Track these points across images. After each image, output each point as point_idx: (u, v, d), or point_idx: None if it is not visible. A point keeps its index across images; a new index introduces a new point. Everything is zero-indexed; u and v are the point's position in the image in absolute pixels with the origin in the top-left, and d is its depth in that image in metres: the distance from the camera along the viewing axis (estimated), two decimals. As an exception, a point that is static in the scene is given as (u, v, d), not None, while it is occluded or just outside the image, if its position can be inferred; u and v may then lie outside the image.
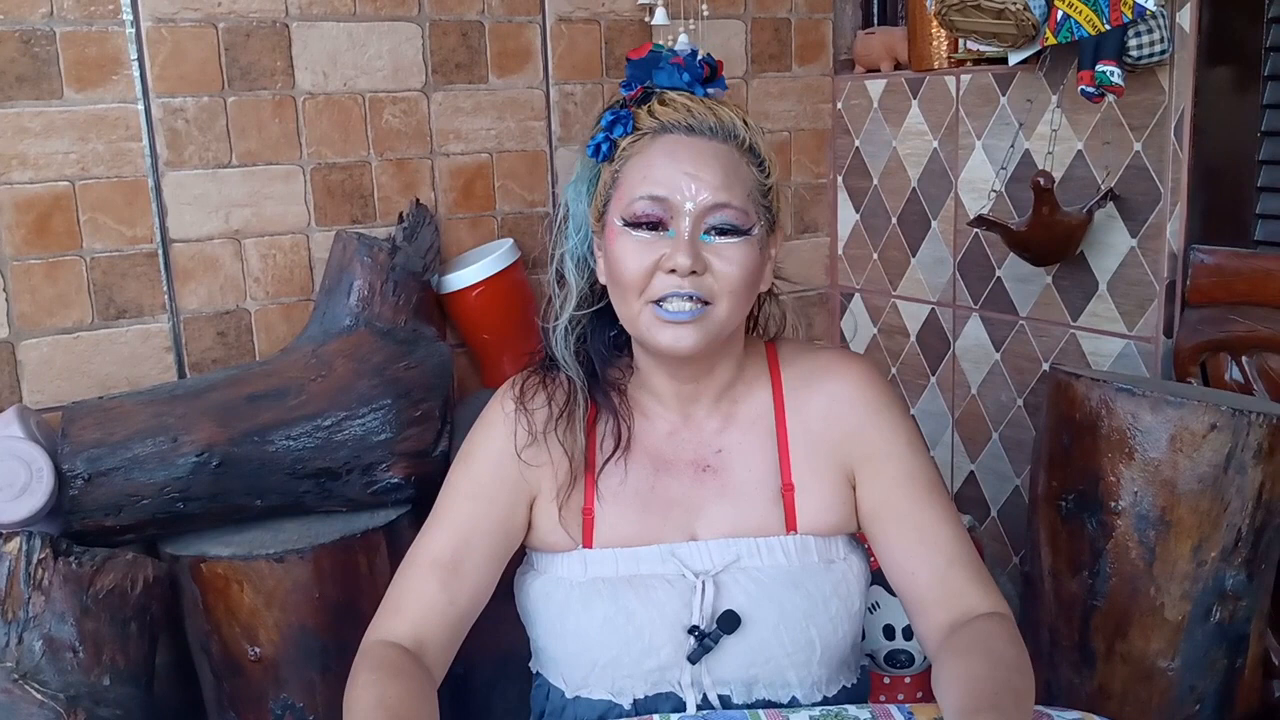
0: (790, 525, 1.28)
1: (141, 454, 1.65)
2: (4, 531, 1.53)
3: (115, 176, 1.85)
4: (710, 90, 1.26)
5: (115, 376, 1.88)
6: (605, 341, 1.33)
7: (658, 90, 1.25)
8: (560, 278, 1.32)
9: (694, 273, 1.17)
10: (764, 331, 1.38)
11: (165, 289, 1.91)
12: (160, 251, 1.90)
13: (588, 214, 1.29)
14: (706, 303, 1.19)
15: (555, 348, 1.30)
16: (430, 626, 1.24)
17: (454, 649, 1.27)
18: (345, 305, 1.86)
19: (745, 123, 1.24)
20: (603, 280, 1.28)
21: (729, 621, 1.23)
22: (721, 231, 1.19)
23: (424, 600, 1.25)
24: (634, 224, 1.19)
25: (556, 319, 1.30)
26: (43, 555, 1.51)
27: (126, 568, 1.58)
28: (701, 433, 1.31)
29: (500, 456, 1.30)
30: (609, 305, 1.29)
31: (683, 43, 2.12)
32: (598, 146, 1.24)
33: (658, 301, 1.19)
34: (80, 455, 1.63)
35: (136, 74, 1.84)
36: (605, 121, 1.24)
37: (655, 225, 1.19)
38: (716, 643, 1.23)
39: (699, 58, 1.26)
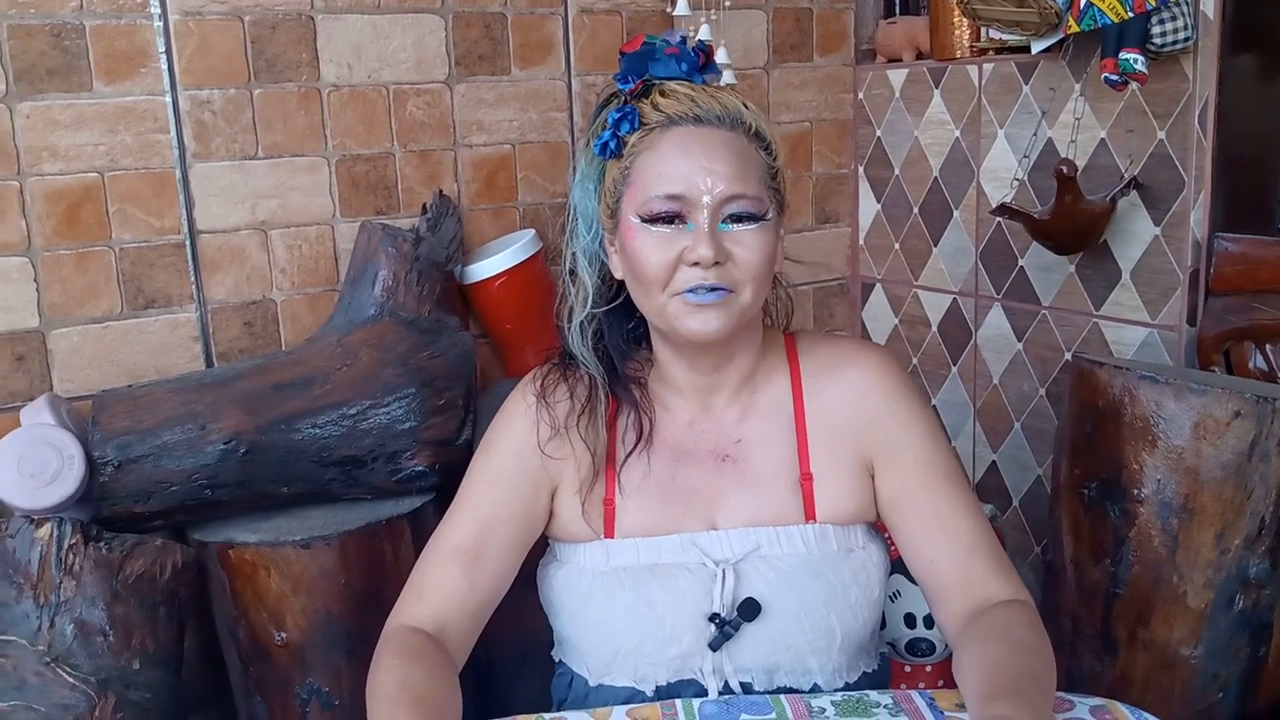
0: (809, 514, 1.29)
1: (170, 441, 1.67)
2: (36, 517, 1.55)
3: (144, 168, 1.87)
4: (706, 77, 1.26)
5: (144, 365, 1.90)
6: (623, 336, 1.33)
7: (657, 82, 1.25)
8: (573, 275, 1.32)
9: (716, 263, 1.18)
10: (773, 319, 1.39)
11: (193, 279, 1.93)
12: (188, 242, 1.92)
13: (597, 211, 1.29)
14: (730, 291, 1.20)
15: (573, 345, 1.31)
16: (452, 612, 1.25)
17: (475, 635, 1.28)
18: (370, 295, 1.87)
19: (747, 107, 1.24)
20: (618, 276, 1.28)
21: (749, 609, 1.23)
22: (739, 219, 1.20)
23: (446, 586, 1.26)
24: (652, 220, 1.20)
25: (571, 318, 1.31)
26: (74, 541, 1.54)
27: (156, 553, 1.60)
28: (721, 423, 1.32)
29: (521, 446, 1.31)
30: (624, 301, 1.30)
31: (704, 34, 2.12)
32: (605, 144, 1.24)
33: (684, 293, 1.20)
34: (110, 443, 1.65)
35: (164, 67, 1.86)
36: (611, 119, 1.23)
37: (673, 219, 1.20)
38: (737, 630, 1.23)
39: (690, 45, 1.26)
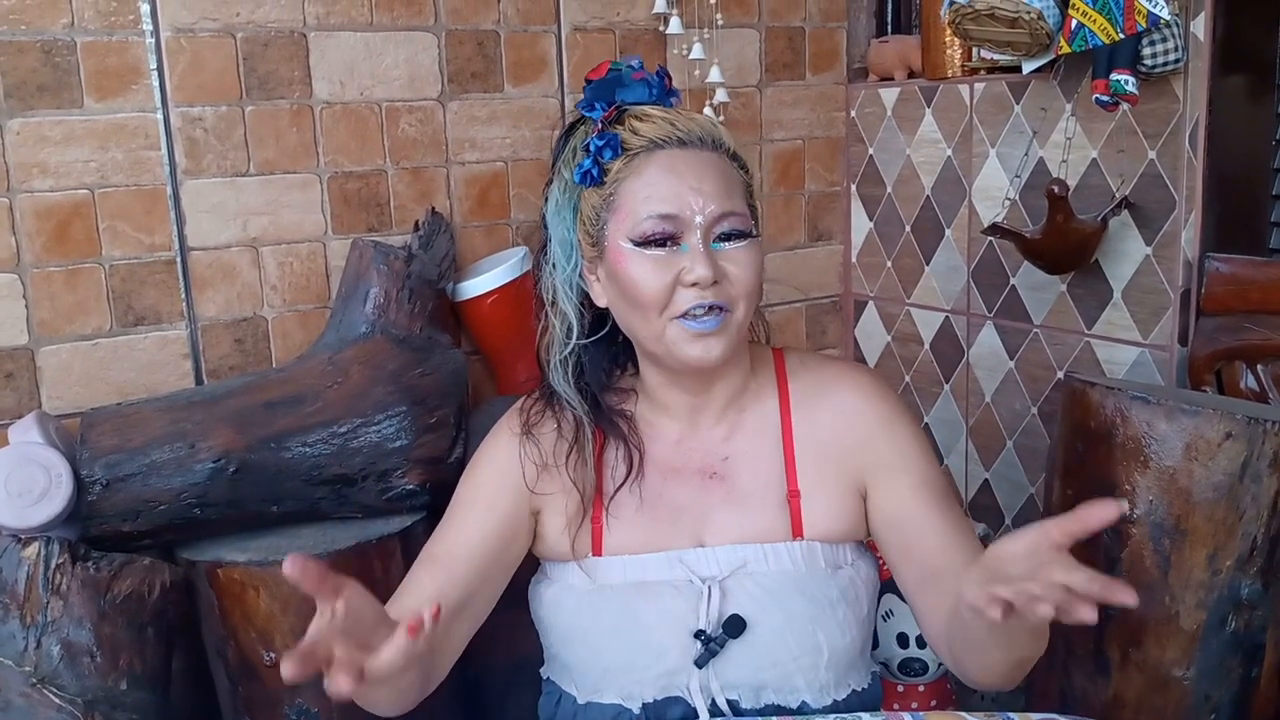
0: (797, 531, 1.29)
1: (159, 460, 1.66)
2: (23, 536, 1.54)
3: (134, 185, 1.87)
4: (672, 100, 1.28)
5: (133, 383, 1.89)
6: (604, 368, 1.33)
7: (628, 107, 1.25)
8: (554, 306, 1.31)
9: (714, 282, 1.19)
10: (758, 335, 1.39)
11: (183, 296, 1.92)
12: (178, 259, 1.91)
13: (576, 240, 1.29)
14: (726, 309, 1.20)
15: (556, 383, 1.31)
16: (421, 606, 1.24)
17: (449, 645, 1.27)
18: (361, 313, 1.87)
19: (717, 125, 1.26)
20: (600, 304, 1.28)
21: (734, 625, 1.24)
22: (730, 237, 1.21)
23: (420, 590, 1.26)
24: (644, 243, 1.20)
25: (557, 353, 1.30)
26: (61, 560, 1.52)
27: (144, 573, 1.59)
28: (708, 440, 1.32)
29: (504, 472, 1.32)
30: (605, 332, 1.30)
31: (697, 52, 2.13)
32: (586, 173, 1.24)
33: (682, 316, 1.20)
34: (98, 461, 1.64)
35: (156, 83, 1.86)
36: (593, 146, 1.23)
37: (665, 241, 1.20)
38: (722, 647, 1.23)
39: (652, 70, 1.28)
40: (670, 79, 1.29)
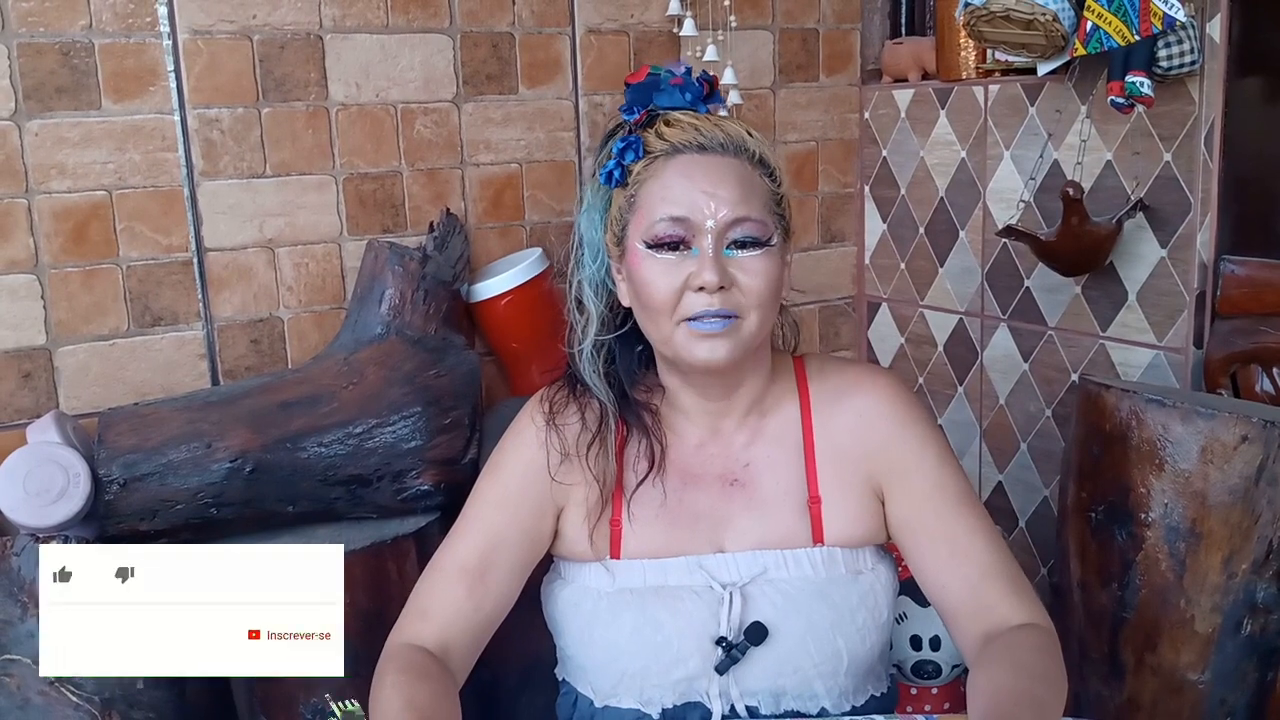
0: (817, 537, 1.29)
1: (176, 460, 1.67)
2: (41, 535, 1.55)
3: (151, 186, 1.88)
4: (710, 106, 1.28)
5: (150, 383, 1.90)
6: (633, 360, 1.34)
7: (661, 112, 1.26)
8: (579, 305, 1.33)
9: (721, 288, 1.18)
10: (782, 342, 1.39)
11: (200, 297, 1.93)
12: (195, 260, 1.92)
13: (602, 241, 1.30)
14: (735, 317, 1.20)
15: (583, 373, 1.31)
16: (456, 632, 1.25)
17: (477, 654, 1.29)
18: (376, 314, 1.88)
19: (750, 134, 1.25)
20: (625, 303, 1.29)
21: (756, 633, 1.23)
22: (743, 245, 1.20)
23: (450, 606, 1.26)
24: (656, 246, 1.21)
25: (580, 345, 1.31)
26: (79, 559, 1.53)
27: (160, 572, 1.60)
28: (730, 447, 1.32)
29: (529, 468, 1.31)
30: (633, 327, 1.30)
31: (711, 54, 2.13)
32: (609, 173, 1.25)
33: (690, 319, 1.20)
34: (116, 461, 1.65)
35: (173, 85, 1.87)
36: (616, 149, 1.25)
37: (678, 245, 1.20)
38: (744, 654, 1.23)
39: (695, 75, 1.28)
40: (711, 85, 1.28)
